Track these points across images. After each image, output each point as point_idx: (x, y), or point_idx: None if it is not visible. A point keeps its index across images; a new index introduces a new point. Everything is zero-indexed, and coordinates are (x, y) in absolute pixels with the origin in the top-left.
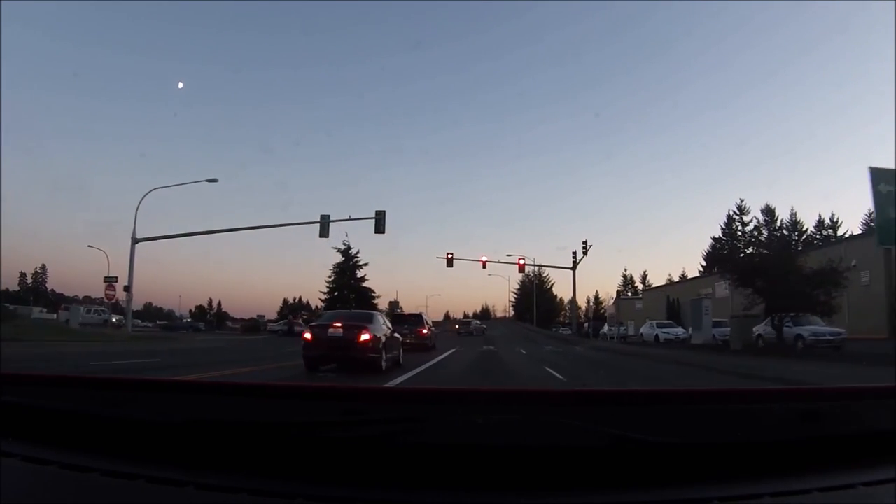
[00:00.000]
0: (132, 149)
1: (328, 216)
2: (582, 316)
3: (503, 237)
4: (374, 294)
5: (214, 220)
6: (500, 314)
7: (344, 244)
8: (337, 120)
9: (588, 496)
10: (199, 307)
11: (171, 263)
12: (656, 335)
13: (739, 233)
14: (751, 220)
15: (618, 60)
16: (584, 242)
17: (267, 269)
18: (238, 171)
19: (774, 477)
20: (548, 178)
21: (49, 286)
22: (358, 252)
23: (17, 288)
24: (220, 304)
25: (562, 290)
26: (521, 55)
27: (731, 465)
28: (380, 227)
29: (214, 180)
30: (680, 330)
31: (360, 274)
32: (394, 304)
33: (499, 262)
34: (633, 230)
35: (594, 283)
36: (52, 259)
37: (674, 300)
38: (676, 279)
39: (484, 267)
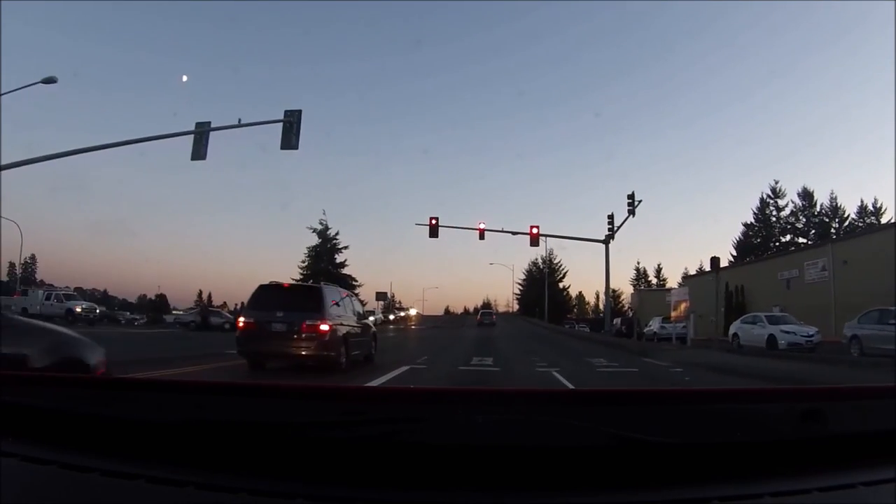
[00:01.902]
0: (132, 148)
1: (207, 123)
2: (590, 311)
3: (503, 239)
4: (354, 282)
5: (213, 213)
6: (502, 309)
7: (321, 223)
8: (337, 119)
9: (588, 496)
10: (142, 296)
11: (176, 260)
12: (770, 337)
13: (774, 218)
14: (786, 205)
15: (620, 60)
16: (631, 196)
17: (269, 259)
18: (238, 171)
19: (774, 477)
20: (548, 179)
21: (39, 277)
22: (337, 233)
23: (6, 278)
24: (210, 295)
25: (574, 282)
26: (522, 54)
27: (731, 465)
28: (289, 140)
29: (52, 80)
30: (811, 329)
31: (339, 259)
32: (381, 295)
33: (502, 231)
34: (639, 226)
35: (597, 278)
36: (48, 253)
37: (736, 288)
38: (693, 273)
39: (482, 237)
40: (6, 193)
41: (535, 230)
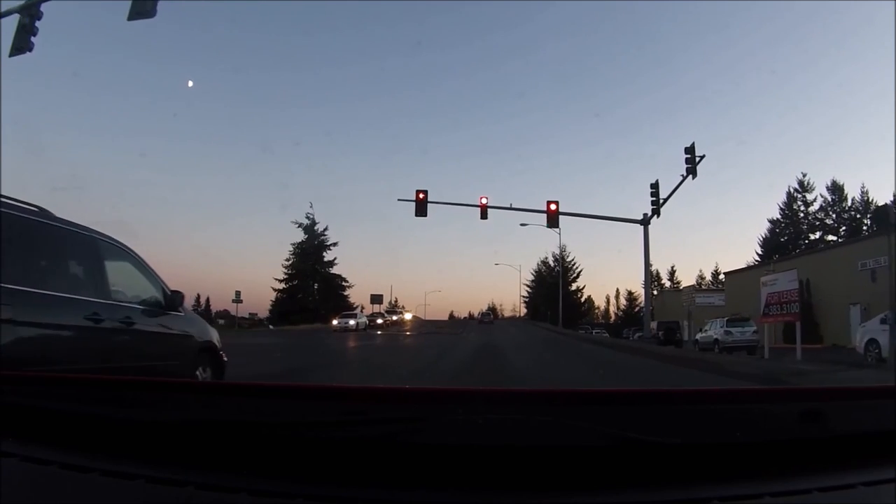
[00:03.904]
0: (132, 149)
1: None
2: (599, 316)
3: (509, 239)
4: (345, 282)
5: (211, 212)
6: (508, 313)
7: (307, 218)
8: (337, 120)
9: (588, 496)
10: None
11: (178, 262)
12: None
13: (802, 214)
14: (814, 199)
15: (626, 60)
16: (690, 150)
17: (258, 258)
18: (238, 171)
19: (774, 477)
20: (550, 182)
21: None
22: (326, 229)
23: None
24: (207, 300)
25: (588, 284)
26: (523, 58)
27: (731, 465)
28: (142, 4)
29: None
30: None
31: (327, 257)
32: (377, 298)
33: (510, 208)
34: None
35: (604, 282)
36: None
37: (800, 283)
38: (708, 275)
39: (484, 216)
40: (6, 193)
41: (553, 207)
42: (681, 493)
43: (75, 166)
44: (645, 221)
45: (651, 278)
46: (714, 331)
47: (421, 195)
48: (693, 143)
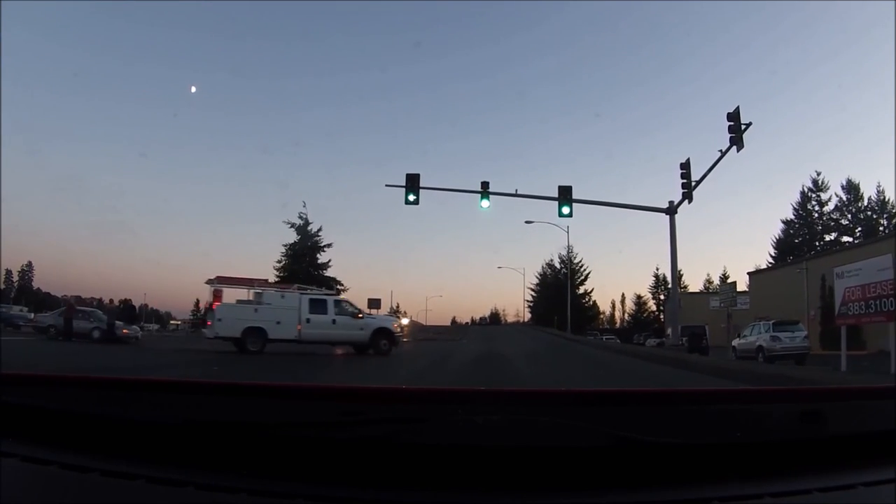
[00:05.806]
0: (132, 149)
1: None
2: (604, 321)
3: (507, 246)
4: (340, 285)
5: (211, 212)
6: (511, 319)
7: (300, 217)
8: (337, 122)
9: (588, 496)
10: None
11: (180, 264)
12: None
13: (816, 214)
14: (829, 199)
15: (616, 65)
16: (734, 117)
17: (249, 259)
18: (238, 171)
19: (774, 477)
20: (552, 184)
21: (36, 285)
22: (320, 229)
23: (2, 286)
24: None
25: (597, 287)
26: (524, 59)
27: (731, 465)
28: None
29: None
30: None
31: (321, 258)
32: (375, 302)
33: (515, 195)
34: (655, 229)
35: (603, 286)
36: (46, 259)
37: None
38: (716, 279)
39: (484, 195)
40: (5, 196)
41: (563, 192)
42: (681, 493)
43: (75, 167)
44: (672, 210)
45: (663, 282)
46: (757, 336)
47: (412, 179)
48: (738, 108)
